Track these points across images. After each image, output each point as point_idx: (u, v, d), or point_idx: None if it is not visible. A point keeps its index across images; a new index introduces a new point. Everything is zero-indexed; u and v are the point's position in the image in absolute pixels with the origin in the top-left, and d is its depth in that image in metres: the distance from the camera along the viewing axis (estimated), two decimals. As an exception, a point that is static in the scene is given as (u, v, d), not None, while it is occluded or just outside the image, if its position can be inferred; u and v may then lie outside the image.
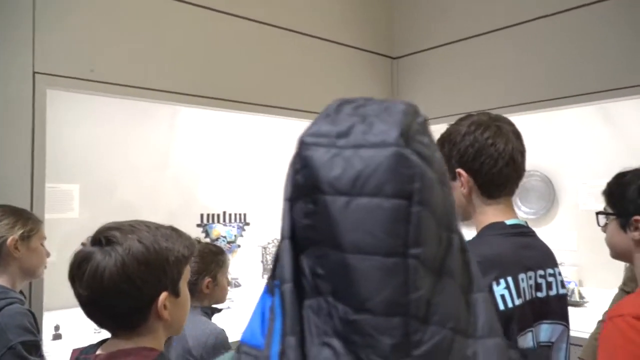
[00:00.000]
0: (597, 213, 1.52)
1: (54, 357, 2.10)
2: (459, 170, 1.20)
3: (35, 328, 1.58)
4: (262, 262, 3.79)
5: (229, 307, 2.81)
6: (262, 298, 0.61)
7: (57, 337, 2.40)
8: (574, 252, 3.22)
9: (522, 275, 1.14)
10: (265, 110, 2.87)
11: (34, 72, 2.06)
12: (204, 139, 3.65)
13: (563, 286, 1.25)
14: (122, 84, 2.31)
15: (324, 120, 0.61)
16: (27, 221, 1.73)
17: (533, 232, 1.28)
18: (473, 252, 0.64)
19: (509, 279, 1.11)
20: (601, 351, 1.25)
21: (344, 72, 3.25)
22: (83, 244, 1.01)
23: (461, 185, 1.21)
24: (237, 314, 2.88)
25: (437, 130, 0.97)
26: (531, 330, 1.15)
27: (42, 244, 1.78)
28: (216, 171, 3.72)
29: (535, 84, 2.78)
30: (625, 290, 2.04)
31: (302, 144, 0.60)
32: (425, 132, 0.61)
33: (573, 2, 2.65)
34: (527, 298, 1.14)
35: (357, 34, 3.34)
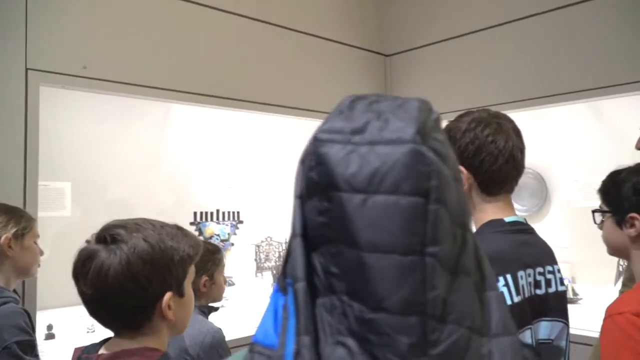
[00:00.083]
0: (593, 211, 1.54)
1: (47, 357, 2.07)
2: (459, 167, 1.20)
3: (30, 327, 1.57)
4: (256, 260, 3.77)
5: (223, 306, 2.80)
6: (274, 296, 0.60)
7: (49, 336, 2.36)
8: (567, 249, 3.23)
9: (521, 273, 1.15)
10: (258, 107, 2.85)
11: (27, 69, 2.04)
12: (197, 136, 3.63)
13: (562, 283, 1.25)
14: (115, 80, 2.30)
15: (338, 116, 0.60)
16: (21, 219, 1.71)
17: (532, 229, 1.29)
18: None
19: (508, 276, 1.12)
20: (604, 350, 1.25)
21: (337, 70, 3.25)
22: (87, 242, 1.00)
23: (461, 182, 1.21)
24: (231, 312, 2.87)
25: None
26: (530, 328, 1.15)
27: (35, 242, 1.77)
28: (209, 169, 3.70)
29: (528, 82, 2.80)
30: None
31: (316, 141, 0.59)
32: (439, 129, 0.60)
33: (565, 0, 2.66)
34: (526, 295, 1.15)
35: (350, 31, 3.33)
